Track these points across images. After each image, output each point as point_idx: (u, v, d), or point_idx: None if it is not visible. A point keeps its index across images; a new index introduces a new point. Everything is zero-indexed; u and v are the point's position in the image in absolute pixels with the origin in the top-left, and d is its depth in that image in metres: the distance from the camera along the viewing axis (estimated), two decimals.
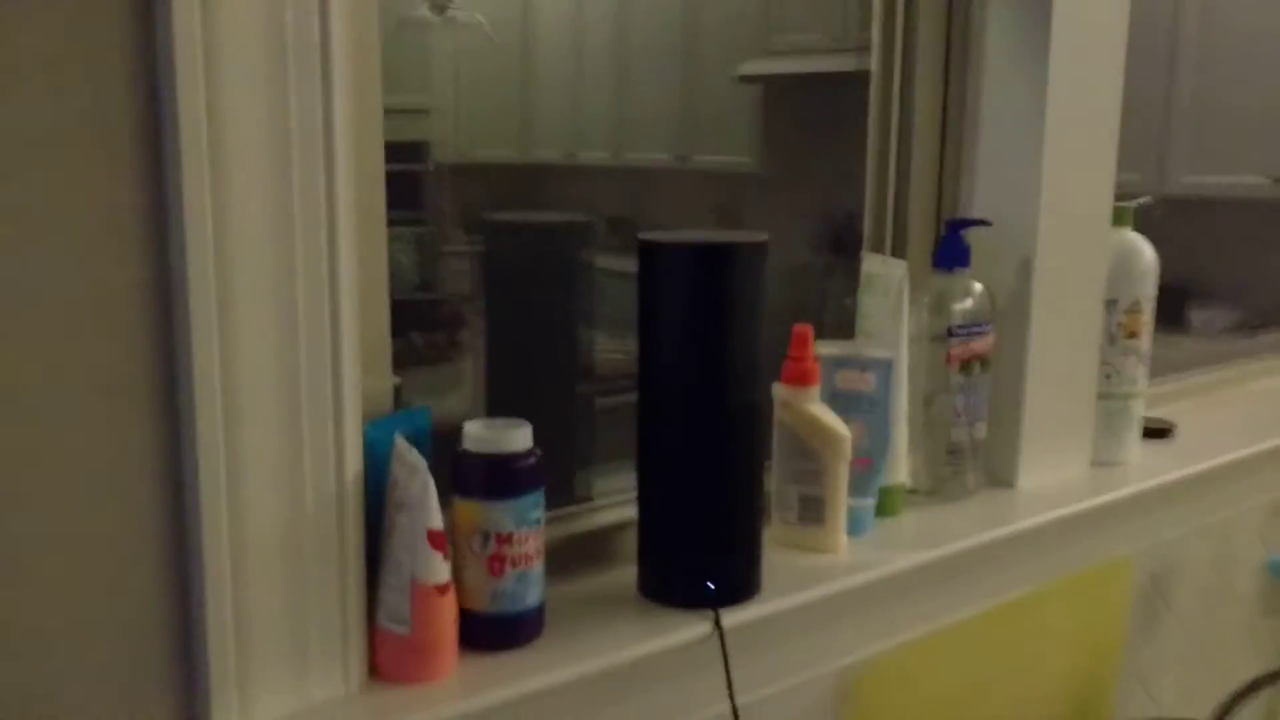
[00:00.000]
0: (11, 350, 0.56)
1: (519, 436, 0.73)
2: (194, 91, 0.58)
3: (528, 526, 0.73)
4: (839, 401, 0.94)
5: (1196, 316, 3.56)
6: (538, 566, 0.75)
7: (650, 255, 0.79)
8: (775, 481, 0.92)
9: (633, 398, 0.99)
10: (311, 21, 0.61)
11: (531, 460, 0.74)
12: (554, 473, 0.77)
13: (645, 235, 0.79)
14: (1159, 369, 1.43)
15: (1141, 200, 1.17)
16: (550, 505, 0.85)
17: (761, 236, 0.79)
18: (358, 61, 0.69)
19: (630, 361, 0.84)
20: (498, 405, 0.77)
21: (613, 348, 1.08)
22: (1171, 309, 3.02)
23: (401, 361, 1.02)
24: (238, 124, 0.59)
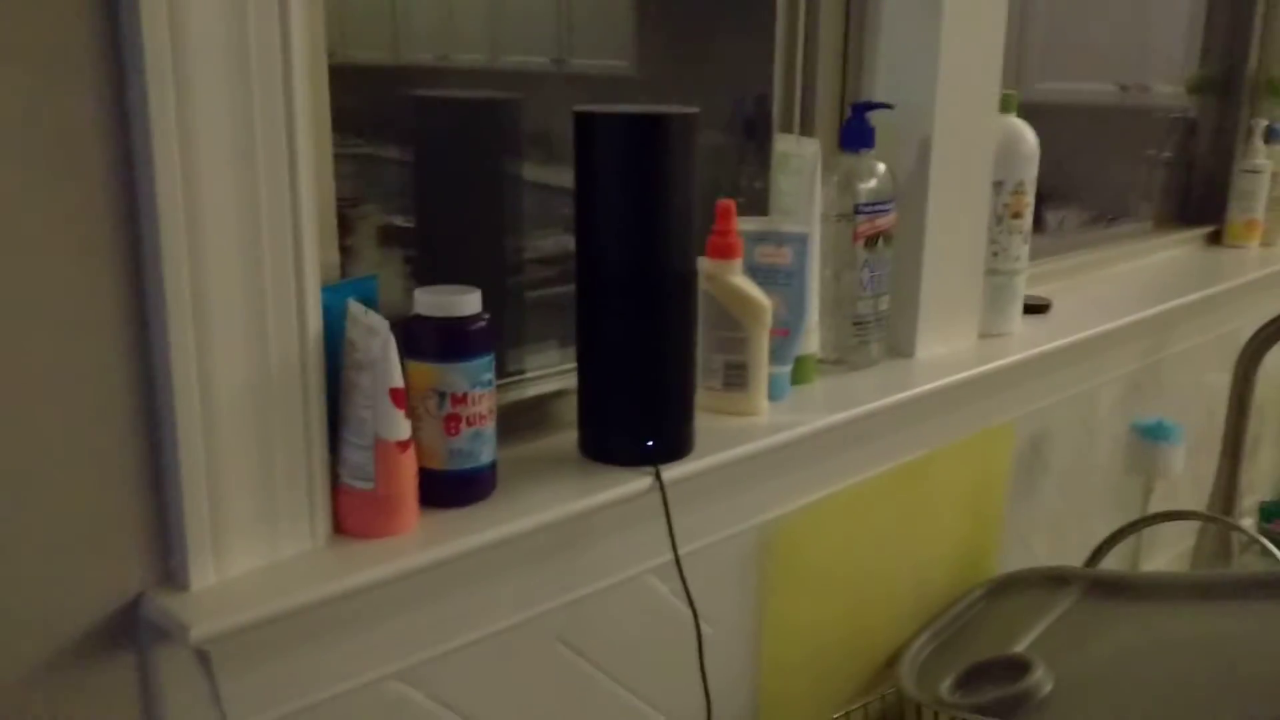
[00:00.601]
0: None
1: (469, 301, 0.76)
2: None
3: (480, 387, 0.76)
4: (758, 275, 0.99)
5: (1051, 216, 3.77)
6: (490, 426, 0.78)
7: (586, 126, 0.82)
8: (701, 350, 0.97)
9: (544, 292, 1.03)
10: None
11: (482, 324, 0.76)
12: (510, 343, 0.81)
13: (580, 106, 0.82)
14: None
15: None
16: (509, 374, 0.89)
17: (693, 109, 0.83)
18: None
19: (541, 258, 0.87)
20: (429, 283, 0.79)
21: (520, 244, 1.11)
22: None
23: None
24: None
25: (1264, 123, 1.79)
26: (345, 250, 1.00)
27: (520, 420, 0.92)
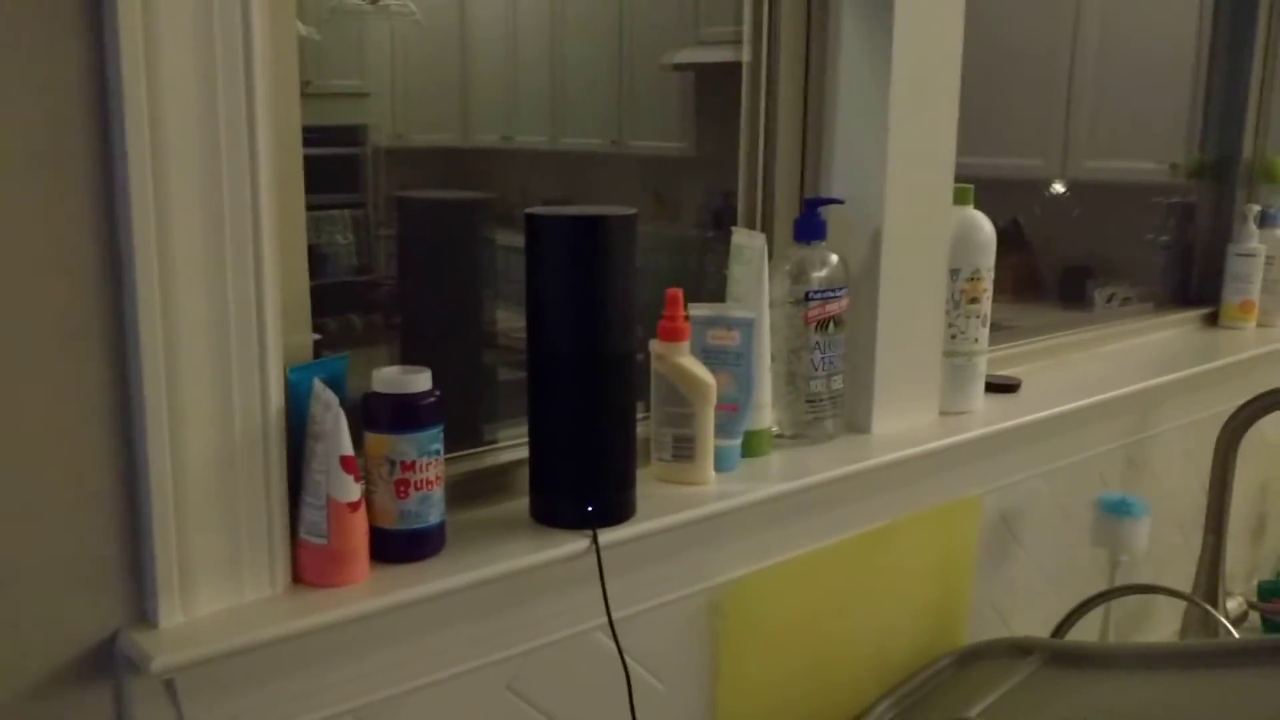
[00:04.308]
0: None
1: (420, 380, 0.86)
2: (137, 84, 0.70)
3: (428, 455, 0.87)
4: (709, 356, 1.09)
5: (1099, 294, 3.78)
6: (438, 490, 0.88)
7: (534, 226, 0.92)
8: (653, 425, 1.07)
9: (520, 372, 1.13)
10: (235, 20, 0.74)
11: (431, 400, 0.87)
12: (462, 421, 0.91)
13: (530, 209, 0.93)
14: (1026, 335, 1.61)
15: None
16: (459, 447, 0.99)
17: (629, 210, 0.93)
18: (277, 53, 0.81)
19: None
20: (411, 362, 0.90)
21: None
22: (1075, 287, 3.17)
23: (342, 341, 1.15)
24: (176, 124, 0.72)
25: (1257, 208, 1.84)
26: (395, 325, 1.11)
27: (487, 485, 1.02)
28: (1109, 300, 3.89)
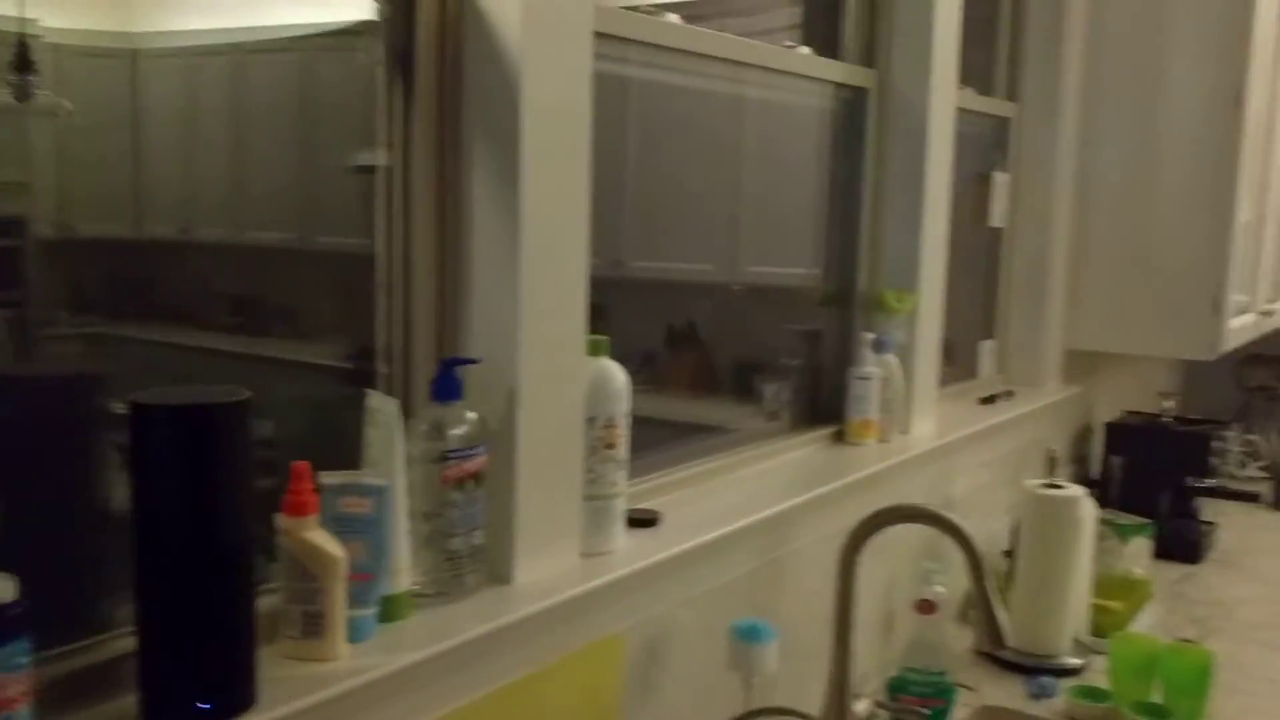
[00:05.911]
0: None
1: (1, 590, 0.81)
2: None
3: (10, 672, 0.80)
4: (341, 524, 1.08)
5: (766, 389, 4.10)
6: (22, 709, 0.82)
7: (138, 415, 0.89)
8: (281, 602, 1.04)
9: None
10: None
11: (15, 612, 0.81)
12: (71, 606, 0.85)
13: (135, 396, 0.90)
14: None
15: None
16: (64, 639, 0.93)
17: (243, 395, 0.92)
18: None
19: None
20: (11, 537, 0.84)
21: None
22: (745, 381, 3.39)
23: None
24: None
25: (872, 335, 2.06)
26: None
27: (95, 681, 0.96)
28: (775, 394, 4.19)
